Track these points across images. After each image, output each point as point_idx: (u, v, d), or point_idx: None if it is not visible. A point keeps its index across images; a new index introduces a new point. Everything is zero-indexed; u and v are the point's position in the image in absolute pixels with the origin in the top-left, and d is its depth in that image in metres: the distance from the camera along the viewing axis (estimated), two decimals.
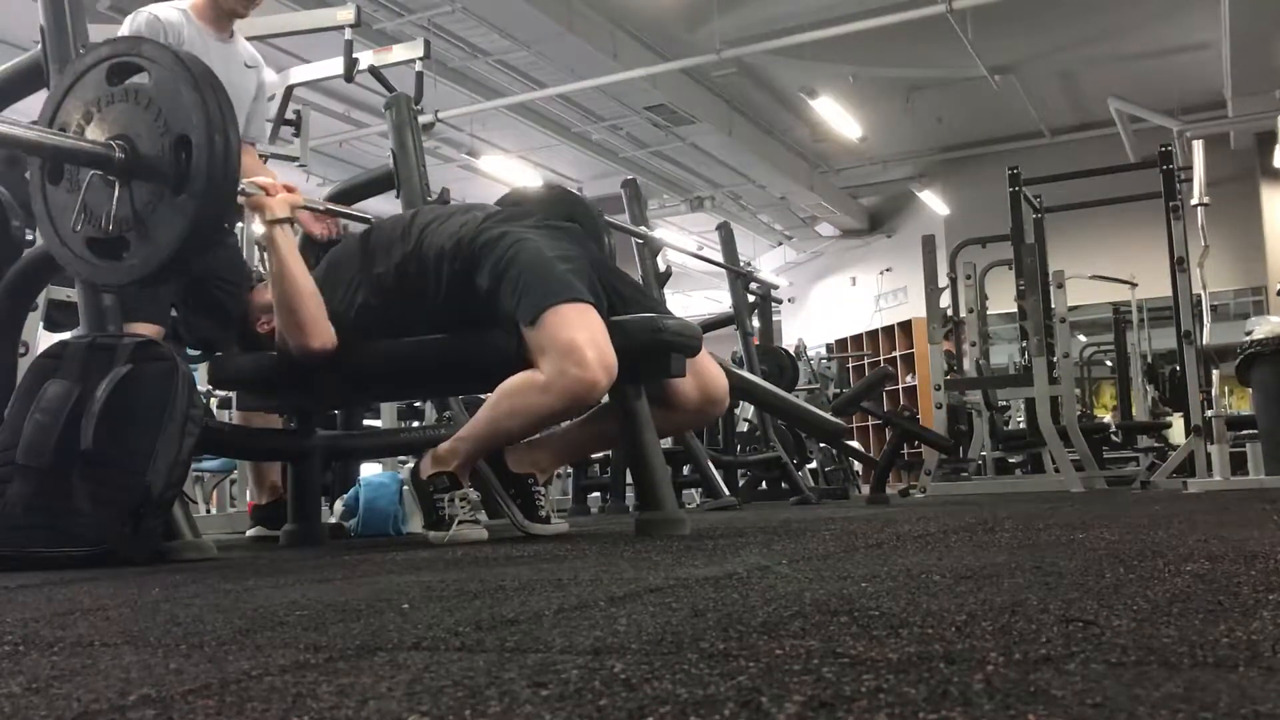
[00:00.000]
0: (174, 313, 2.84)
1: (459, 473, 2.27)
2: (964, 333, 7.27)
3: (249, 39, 3.07)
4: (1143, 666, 0.65)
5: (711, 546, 1.84)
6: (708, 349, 2.53)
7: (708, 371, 2.49)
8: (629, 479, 3.89)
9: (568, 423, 2.63)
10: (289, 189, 2.38)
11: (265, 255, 2.34)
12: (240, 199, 2.24)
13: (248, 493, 3.75)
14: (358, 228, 2.80)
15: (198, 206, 1.94)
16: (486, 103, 9.48)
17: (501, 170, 10.88)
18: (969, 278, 7.01)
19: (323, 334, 2.34)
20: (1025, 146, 11.43)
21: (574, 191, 3.15)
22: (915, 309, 10.92)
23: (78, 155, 2.02)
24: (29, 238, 2.94)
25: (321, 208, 2.65)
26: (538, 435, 2.52)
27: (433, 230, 2.37)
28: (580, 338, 2.11)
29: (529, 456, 2.45)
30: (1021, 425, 8.00)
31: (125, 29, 2.70)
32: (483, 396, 3.55)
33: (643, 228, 4.79)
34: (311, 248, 2.93)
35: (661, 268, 4.85)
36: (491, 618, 0.98)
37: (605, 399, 2.45)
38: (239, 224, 3.14)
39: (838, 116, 10.46)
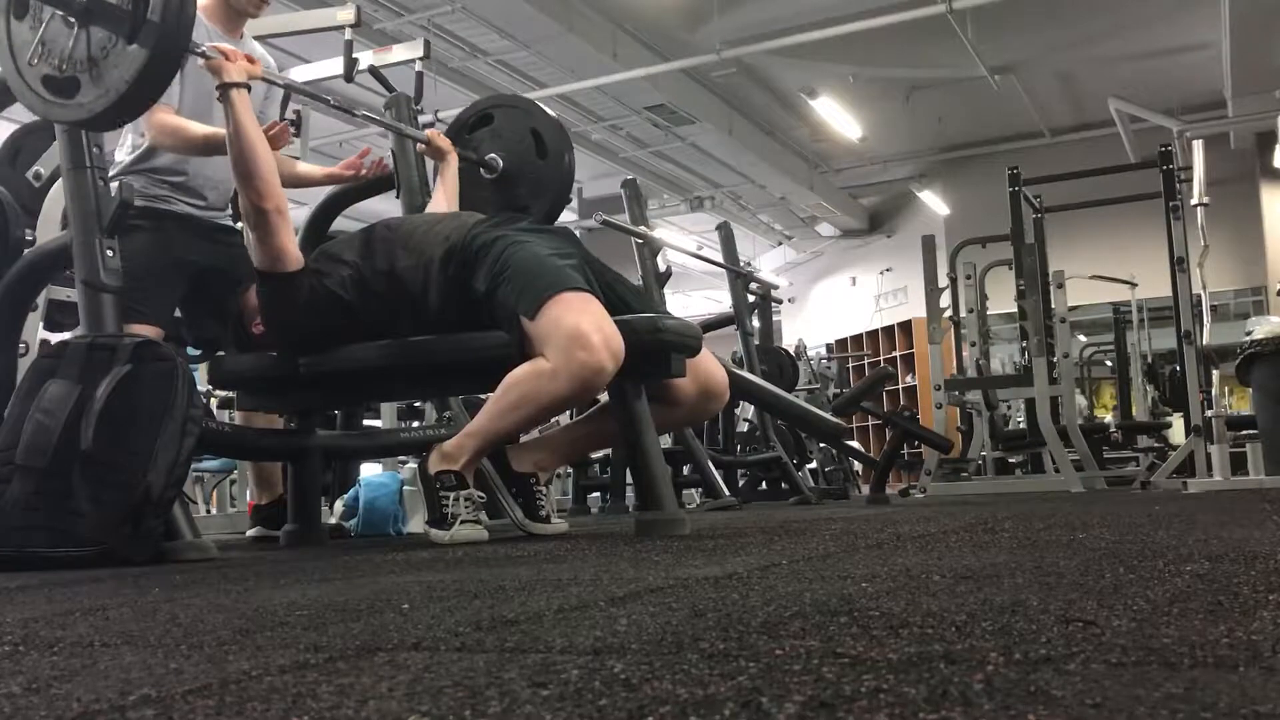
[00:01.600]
0: (177, 313, 2.85)
1: (466, 470, 2.27)
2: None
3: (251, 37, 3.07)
4: (1143, 666, 0.65)
5: (711, 546, 1.84)
6: (707, 349, 2.53)
7: (706, 367, 2.49)
8: (629, 479, 3.89)
9: (569, 422, 2.63)
10: (250, 60, 2.40)
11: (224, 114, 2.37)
12: (200, 61, 2.31)
13: (248, 493, 3.75)
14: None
15: (149, 53, 2.00)
16: None
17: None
18: (969, 278, 7.01)
19: (274, 194, 2.36)
20: (1025, 146, 11.43)
21: (529, 99, 3.20)
22: (915, 309, 10.92)
23: None
24: (29, 238, 2.95)
25: (281, 82, 2.66)
26: (539, 435, 2.52)
27: (423, 235, 2.39)
28: (585, 323, 2.12)
29: (531, 456, 2.45)
30: (1021, 425, 8.01)
31: None
32: (482, 396, 3.56)
33: (643, 228, 4.79)
34: (311, 246, 2.94)
35: (661, 268, 4.85)
36: (491, 618, 0.98)
37: (605, 398, 2.46)
38: (239, 224, 3.14)
39: (838, 116, 10.46)
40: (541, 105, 3.13)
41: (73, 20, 2.06)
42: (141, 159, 2.71)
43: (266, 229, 2.37)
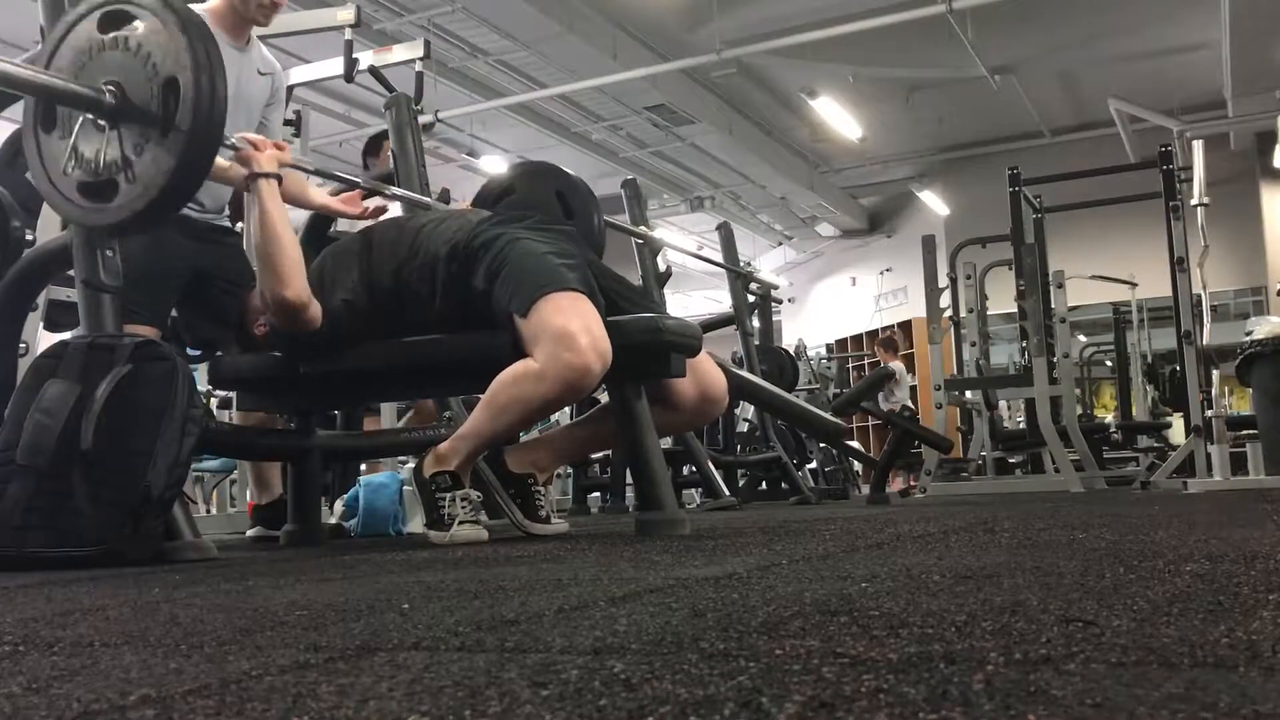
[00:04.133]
0: (174, 314, 2.85)
1: (460, 471, 2.27)
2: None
3: None
4: (1143, 666, 0.65)
5: (711, 546, 1.84)
6: (707, 349, 2.53)
7: (706, 372, 2.49)
8: (629, 479, 3.89)
9: (568, 423, 2.63)
10: (278, 147, 2.40)
11: (247, 209, 2.38)
12: (229, 151, 2.28)
13: (248, 493, 3.75)
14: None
15: (184, 148, 1.99)
16: (486, 103, 9.48)
17: (501, 170, 10.88)
18: (969, 278, 7.01)
19: (296, 284, 2.34)
20: (1025, 146, 11.43)
21: (553, 164, 3.17)
22: (915, 309, 10.91)
23: (70, 98, 2.06)
24: (29, 238, 2.95)
25: (310, 169, 2.65)
26: (538, 435, 2.52)
27: (428, 234, 2.38)
28: (573, 324, 2.11)
29: (529, 456, 2.45)
30: (1021, 425, 8.01)
31: None
32: (482, 397, 3.55)
33: (643, 228, 4.79)
34: (311, 249, 2.94)
35: (661, 268, 4.85)
36: (491, 618, 0.98)
37: (605, 399, 2.46)
38: (239, 224, 3.14)
39: (838, 116, 10.46)
40: (564, 168, 3.10)
41: (103, 123, 2.05)
42: None
43: (287, 314, 2.35)
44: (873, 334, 12.96)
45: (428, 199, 3.04)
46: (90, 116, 2.06)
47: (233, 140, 2.26)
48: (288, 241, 2.34)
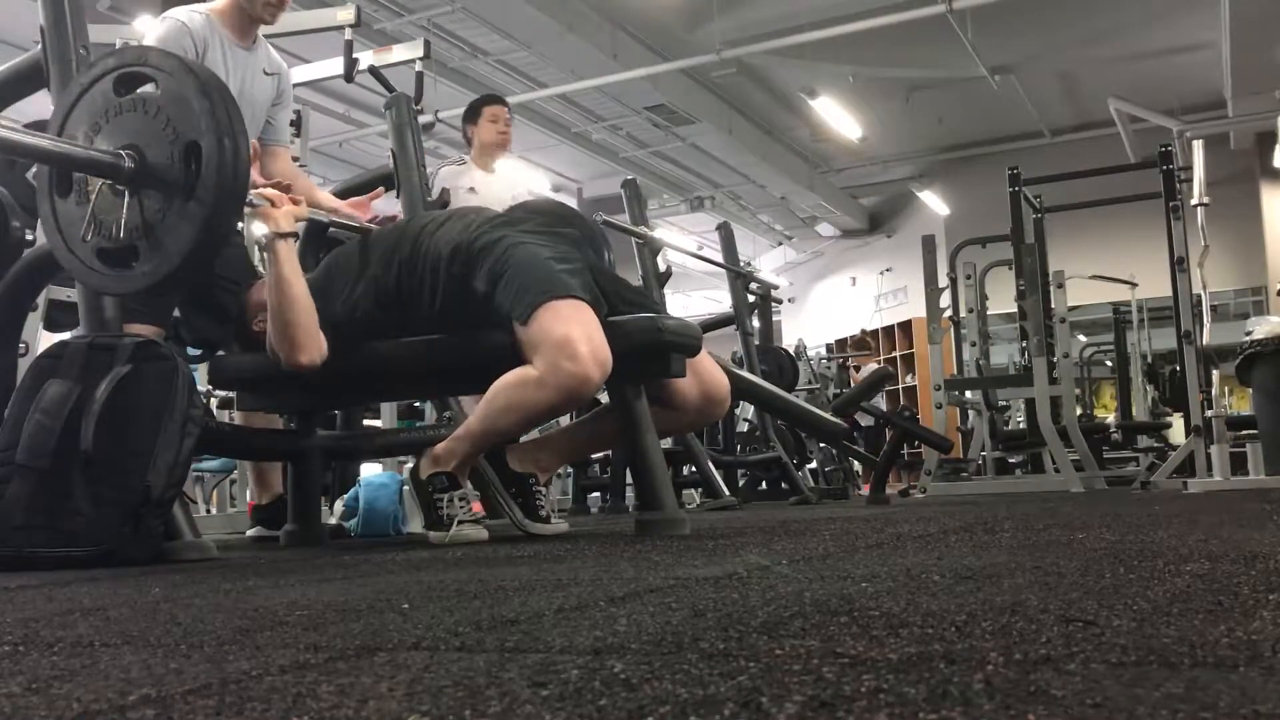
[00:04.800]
0: (176, 313, 2.84)
1: (458, 472, 2.27)
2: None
3: None
4: (1143, 666, 0.65)
5: (711, 546, 1.84)
6: (708, 349, 2.53)
7: (708, 372, 2.49)
8: (629, 479, 3.89)
9: (570, 422, 2.63)
10: (294, 201, 2.38)
11: (264, 259, 2.34)
12: (246, 210, 2.24)
13: (248, 493, 3.75)
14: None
15: (208, 213, 1.94)
16: None
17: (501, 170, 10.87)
18: (969, 278, 7.01)
19: (312, 349, 2.32)
20: (1025, 146, 11.44)
21: (571, 207, 3.18)
22: (915, 309, 10.92)
23: (87, 164, 2.02)
24: (29, 238, 2.94)
25: (326, 219, 2.64)
26: (539, 435, 2.52)
27: (429, 236, 2.38)
28: (574, 332, 2.12)
29: (530, 456, 2.45)
30: (1021, 425, 8.01)
31: (152, 33, 2.70)
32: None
33: (643, 228, 4.79)
34: (311, 249, 2.94)
35: (661, 268, 4.85)
36: (491, 618, 0.98)
37: (605, 399, 2.46)
38: (239, 224, 3.14)
39: (838, 116, 10.46)
40: (570, 206, 3.11)
41: (122, 188, 2.01)
42: None
43: (297, 369, 2.33)
44: (873, 334, 12.98)
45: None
46: (108, 182, 2.02)
47: (250, 198, 2.21)
48: (304, 305, 2.30)
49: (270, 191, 2.34)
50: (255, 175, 2.63)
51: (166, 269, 1.99)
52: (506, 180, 4.32)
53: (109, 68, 2.07)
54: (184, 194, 1.95)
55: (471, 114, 4.37)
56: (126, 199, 2.00)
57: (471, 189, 4.07)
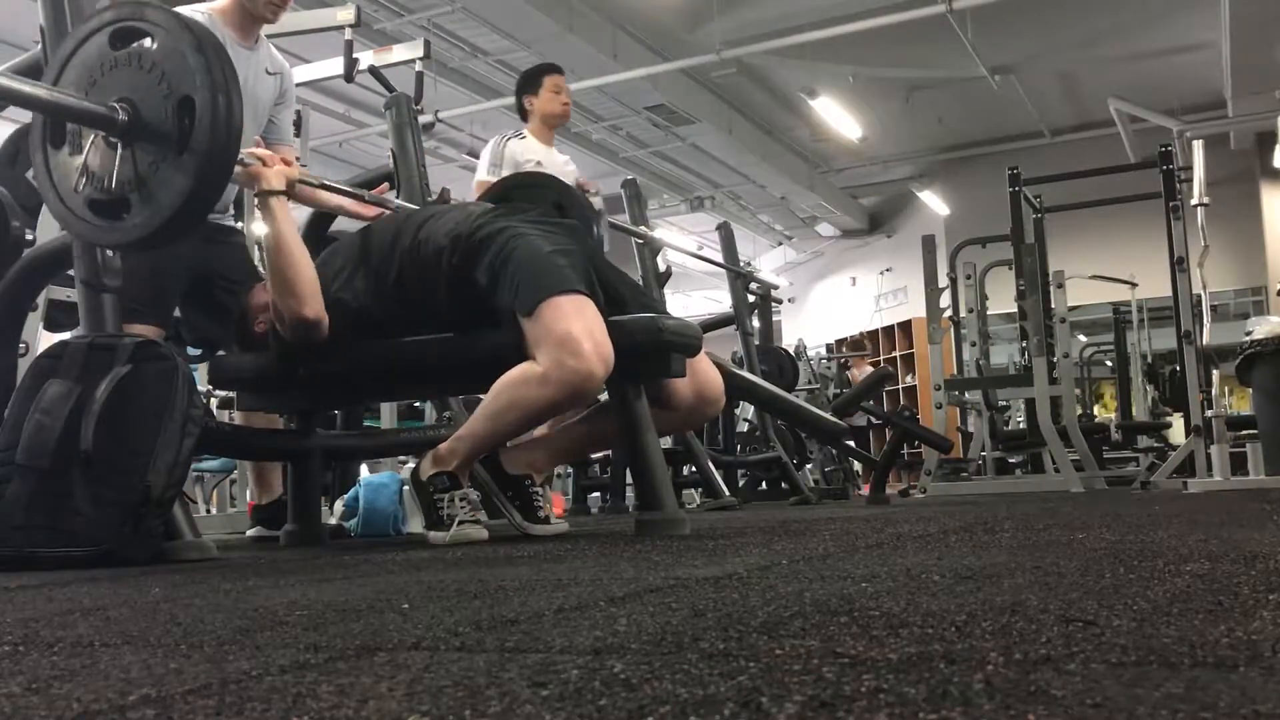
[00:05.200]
0: (176, 313, 2.85)
1: (459, 472, 2.27)
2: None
3: None
4: (1143, 666, 0.65)
5: (711, 546, 1.84)
6: (706, 349, 2.53)
7: (703, 372, 2.49)
8: (629, 479, 3.89)
9: (565, 423, 2.62)
10: (286, 163, 2.39)
11: (263, 234, 2.36)
12: (238, 168, 2.26)
13: (248, 493, 3.76)
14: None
15: (200, 167, 1.96)
16: (486, 103, 9.48)
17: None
18: (969, 278, 7.01)
19: (315, 303, 2.33)
20: (1025, 146, 11.44)
21: (550, 175, 3.18)
22: (915, 309, 10.92)
23: (81, 115, 2.04)
24: (29, 238, 2.94)
25: (316, 183, 2.64)
26: (533, 436, 2.51)
27: (429, 228, 2.37)
28: (576, 329, 2.11)
29: (524, 457, 2.45)
30: (1021, 425, 8.01)
31: None
32: (481, 396, 3.55)
33: (643, 228, 4.79)
34: (311, 243, 2.94)
35: (661, 268, 4.85)
36: (491, 618, 0.98)
37: (604, 398, 2.45)
38: (240, 224, 3.14)
39: (838, 116, 10.46)
40: (561, 180, 3.11)
41: (115, 140, 2.02)
42: None
43: (303, 330, 2.35)
44: (873, 334, 12.98)
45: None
46: (102, 134, 2.03)
47: (242, 156, 2.24)
48: (302, 260, 2.33)
49: (262, 151, 2.36)
50: None
51: (158, 221, 2.01)
52: (560, 159, 4.19)
53: (105, 21, 2.08)
54: (177, 148, 1.97)
55: (530, 84, 4.14)
56: (120, 151, 2.02)
57: (538, 163, 3.93)
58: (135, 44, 2.06)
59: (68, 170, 2.10)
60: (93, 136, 2.06)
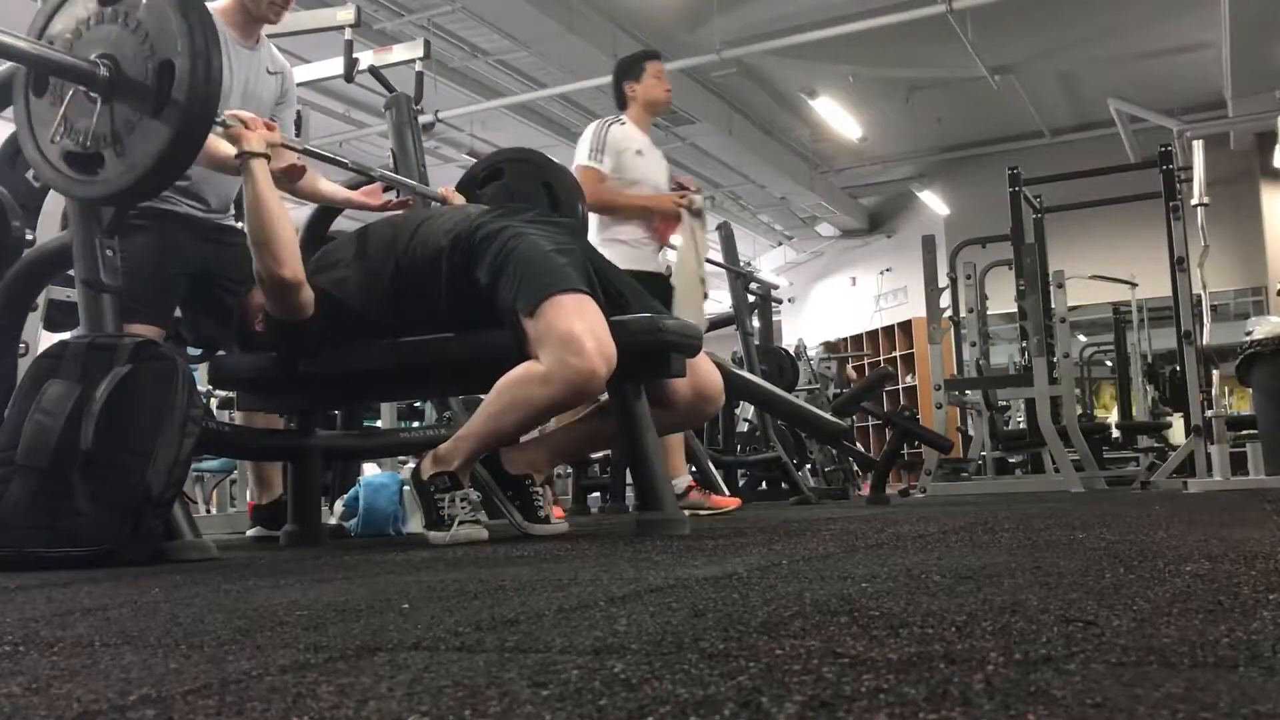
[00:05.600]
0: (177, 313, 2.84)
1: (460, 472, 2.27)
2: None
3: None
4: (1143, 666, 0.65)
5: (711, 546, 1.84)
6: (706, 349, 2.53)
7: (702, 369, 2.49)
8: (629, 479, 3.89)
9: (566, 422, 2.62)
10: (269, 127, 2.39)
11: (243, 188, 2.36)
12: (219, 130, 2.28)
13: (248, 493, 3.76)
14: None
15: (176, 129, 1.99)
16: (486, 103, 9.48)
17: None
18: (969, 278, 7.01)
19: (293, 264, 2.33)
20: (1025, 146, 11.43)
21: (539, 153, 3.19)
22: (915, 309, 10.92)
23: (63, 69, 2.06)
24: (29, 238, 2.94)
25: (299, 147, 2.63)
26: (534, 435, 2.52)
27: (426, 228, 2.38)
28: (578, 327, 2.11)
29: (524, 457, 2.45)
30: (1021, 425, 8.00)
31: None
32: (482, 396, 3.55)
33: None
34: (311, 242, 2.94)
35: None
36: (491, 618, 0.98)
37: (604, 398, 2.45)
38: (240, 224, 3.14)
39: (838, 116, 10.46)
40: (550, 158, 3.13)
41: (95, 96, 2.05)
42: None
43: (283, 294, 2.35)
44: (872, 334, 12.98)
45: (428, 189, 3.04)
46: (82, 89, 2.06)
47: (223, 118, 2.26)
48: (281, 221, 2.33)
49: (244, 114, 2.36)
50: None
51: (129, 180, 2.04)
52: (658, 151, 4.05)
53: None
54: (154, 109, 2.00)
55: (632, 70, 3.98)
56: (99, 106, 2.05)
57: (639, 152, 3.83)
58: (124, 1, 2.08)
59: (47, 120, 2.13)
60: (72, 90, 2.08)
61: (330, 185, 3.04)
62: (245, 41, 2.76)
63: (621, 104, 3.99)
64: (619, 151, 3.75)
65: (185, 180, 2.74)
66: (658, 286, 3.49)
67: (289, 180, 2.63)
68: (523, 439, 2.50)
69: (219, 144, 2.54)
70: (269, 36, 2.94)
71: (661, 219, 3.79)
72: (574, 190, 2.97)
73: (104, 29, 2.07)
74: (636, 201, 3.76)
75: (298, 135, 4.23)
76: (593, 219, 3.58)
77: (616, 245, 3.63)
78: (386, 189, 2.99)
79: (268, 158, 2.35)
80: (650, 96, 3.95)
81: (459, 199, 2.92)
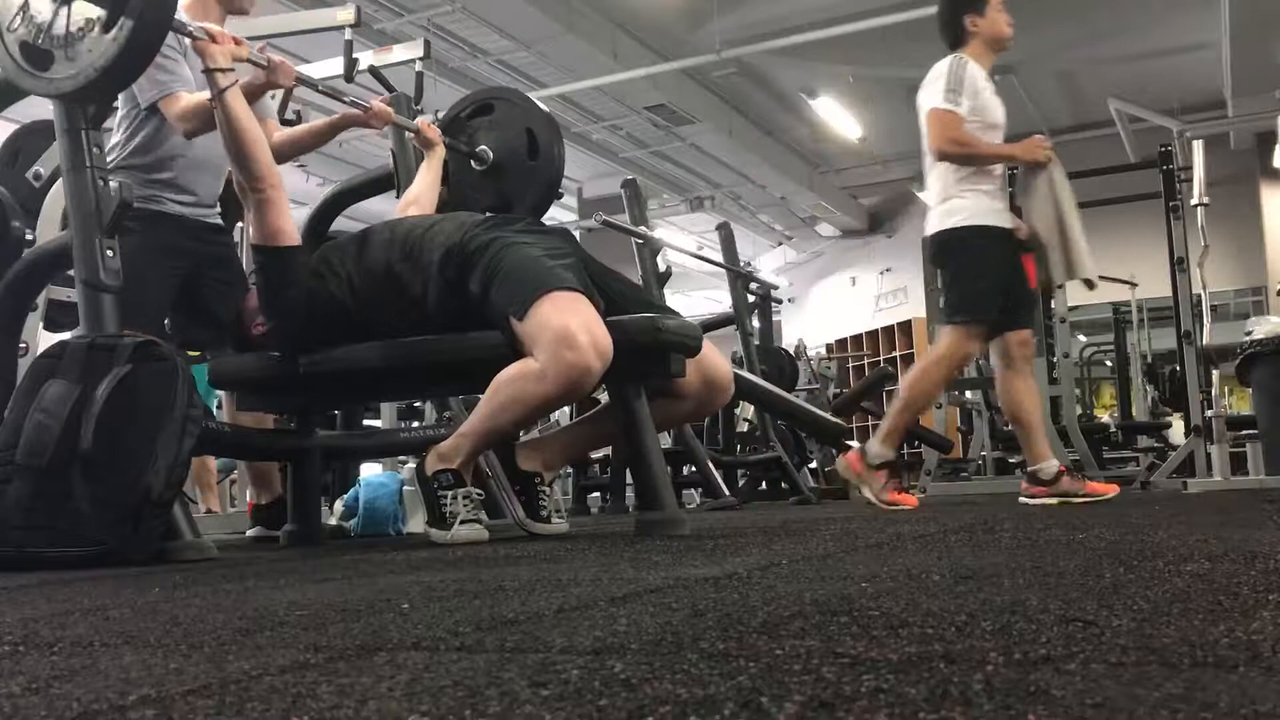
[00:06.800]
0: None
1: (463, 470, 2.28)
2: None
3: (249, 39, 3.06)
4: (1143, 666, 0.65)
5: (711, 546, 1.84)
6: (711, 343, 2.53)
7: (710, 360, 2.49)
8: (629, 479, 3.89)
9: (574, 420, 2.63)
10: (237, 42, 2.40)
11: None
12: (188, 41, 2.34)
13: (248, 493, 3.76)
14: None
15: (128, 36, 2.04)
16: None
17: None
18: None
19: (269, 176, 2.36)
20: None
21: (525, 96, 3.19)
22: (915, 309, 10.91)
23: None
24: (29, 238, 2.95)
25: (264, 61, 2.60)
26: (546, 434, 2.52)
27: (420, 237, 2.38)
28: (572, 323, 2.11)
29: (539, 454, 2.46)
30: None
31: None
32: (480, 396, 3.55)
33: (643, 228, 4.79)
34: (311, 242, 2.94)
35: (661, 268, 4.85)
36: (491, 618, 0.98)
37: (606, 398, 2.46)
38: (239, 224, 3.14)
39: (838, 116, 10.46)
40: (536, 101, 3.13)
41: None
42: (128, 158, 2.70)
43: (263, 208, 2.37)
44: (872, 334, 12.97)
45: (407, 120, 3.04)
46: None
47: (192, 29, 2.29)
48: (254, 133, 2.35)
49: (211, 27, 2.38)
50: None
51: (72, 85, 2.10)
52: None
53: None
54: (109, 16, 2.05)
55: (974, 1, 3.51)
56: (58, 6, 2.11)
57: (994, 91, 3.50)
58: None
59: (8, 5, 2.17)
60: None
61: (300, 128, 3.05)
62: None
63: (956, 41, 3.52)
64: (976, 91, 3.36)
65: (169, 173, 2.73)
66: (1011, 244, 3.32)
67: (270, 86, 2.64)
68: (533, 435, 2.51)
69: (298, 138, 2.75)
70: (271, 36, 2.94)
71: (1028, 167, 3.47)
72: (553, 133, 2.99)
73: None
74: (1002, 150, 3.45)
75: None
76: (946, 170, 3.36)
77: (978, 196, 3.35)
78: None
79: (233, 71, 2.38)
80: (994, 31, 3.51)
81: (435, 133, 2.95)
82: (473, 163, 3.01)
